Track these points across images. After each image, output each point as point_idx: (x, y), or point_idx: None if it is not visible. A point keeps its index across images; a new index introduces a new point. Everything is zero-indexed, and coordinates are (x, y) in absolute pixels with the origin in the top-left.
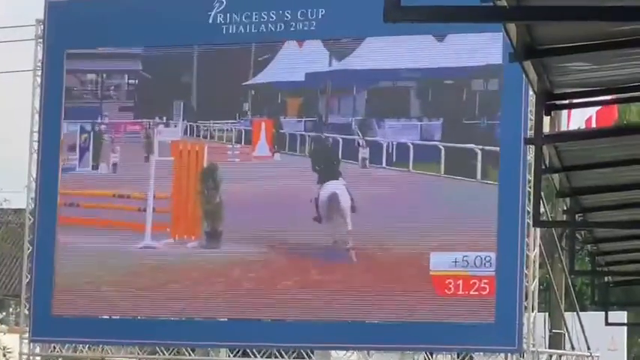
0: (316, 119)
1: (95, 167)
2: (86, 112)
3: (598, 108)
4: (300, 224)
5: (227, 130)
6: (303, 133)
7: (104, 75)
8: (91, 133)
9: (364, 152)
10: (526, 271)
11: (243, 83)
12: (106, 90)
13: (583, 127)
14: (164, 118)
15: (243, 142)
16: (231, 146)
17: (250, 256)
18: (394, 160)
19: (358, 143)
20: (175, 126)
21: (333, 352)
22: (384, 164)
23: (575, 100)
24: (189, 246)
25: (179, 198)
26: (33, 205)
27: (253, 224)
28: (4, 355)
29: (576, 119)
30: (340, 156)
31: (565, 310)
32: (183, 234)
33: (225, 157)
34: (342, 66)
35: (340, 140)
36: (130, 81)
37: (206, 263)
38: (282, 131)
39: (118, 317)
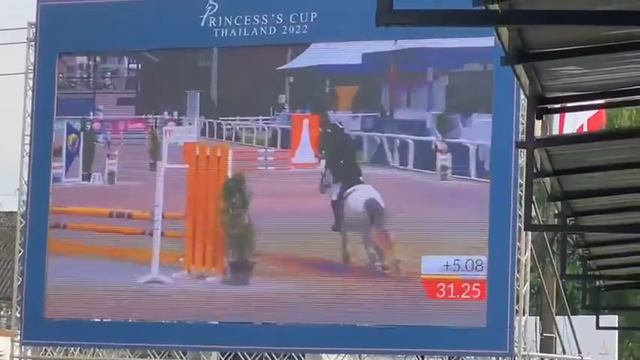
0: (378, 114)
1: (86, 177)
2: (75, 105)
3: (589, 116)
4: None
5: (258, 128)
6: (361, 133)
7: (97, 58)
8: (81, 134)
9: (444, 159)
10: (517, 275)
11: (279, 67)
12: (100, 77)
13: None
14: (175, 113)
15: (279, 145)
16: (263, 150)
17: (288, 294)
18: (486, 169)
19: (436, 147)
20: (190, 124)
21: (324, 356)
22: (472, 175)
23: (567, 104)
24: (209, 281)
25: (195, 218)
26: (24, 208)
27: (293, 252)
28: None
29: (569, 123)
30: (412, 164)
31: (556, 314)
32: (201, 266)
33: (255, 165)
34: (413, 43)
35: (411, 142)
36: (131, 65)
37: (230, 303)
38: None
39: (109, 320)
